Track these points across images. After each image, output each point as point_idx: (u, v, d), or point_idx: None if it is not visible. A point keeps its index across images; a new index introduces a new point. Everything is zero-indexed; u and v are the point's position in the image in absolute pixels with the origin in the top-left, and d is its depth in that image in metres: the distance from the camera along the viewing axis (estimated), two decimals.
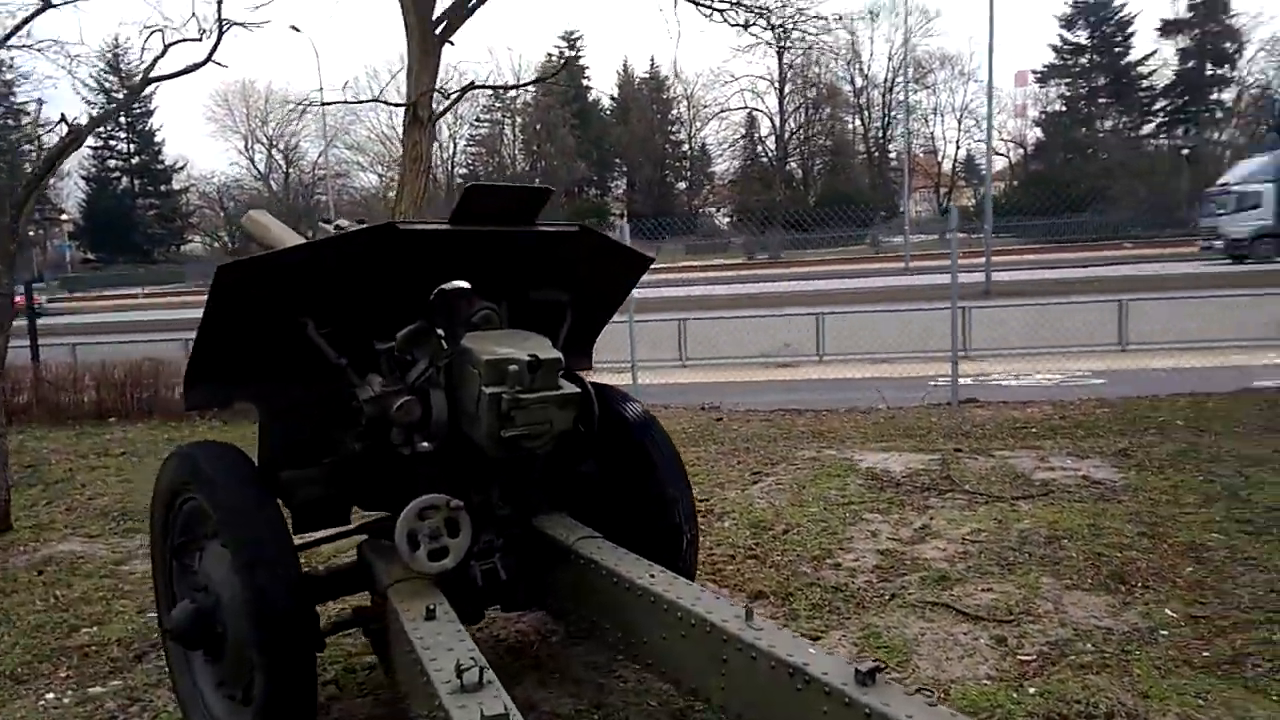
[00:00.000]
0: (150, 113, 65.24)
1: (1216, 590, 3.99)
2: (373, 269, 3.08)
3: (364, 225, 2.98)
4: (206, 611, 3.00)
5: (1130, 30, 60.72)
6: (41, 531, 6.22)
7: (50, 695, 3.78)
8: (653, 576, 3.08)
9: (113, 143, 65.18)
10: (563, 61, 14.10)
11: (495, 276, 3.38)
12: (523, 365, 2.94)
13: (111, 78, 54.20)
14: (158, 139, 67.20)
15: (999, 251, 29.70)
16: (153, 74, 11.46)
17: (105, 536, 6.08)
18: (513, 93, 61.10)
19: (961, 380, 11.52)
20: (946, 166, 65.05)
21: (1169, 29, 59.05)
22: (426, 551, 2.93)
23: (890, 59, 61.86)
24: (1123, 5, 60.13)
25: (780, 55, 60.39)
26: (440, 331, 3.10)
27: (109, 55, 49.32)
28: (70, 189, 62.83)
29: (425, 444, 3.06)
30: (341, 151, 60.71)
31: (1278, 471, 5.74)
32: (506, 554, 3.35)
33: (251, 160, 68.08)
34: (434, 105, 10.74)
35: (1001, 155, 62.58)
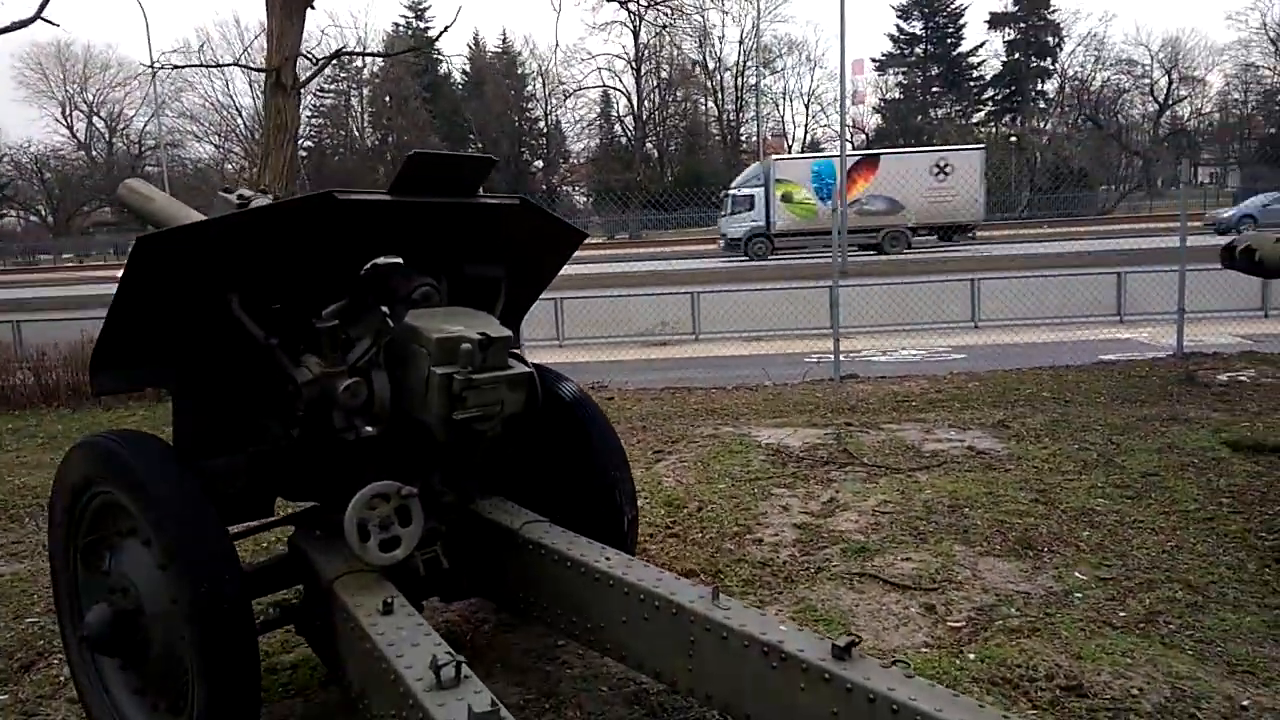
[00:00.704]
0: None
1: (1115, 553, 4.26)
2: (306, 241, 2.86)
3: (298, 196, 2.76)
4: (126, 615, 2.74)
5: (962, 22, 64.33)
6: None
7: None
8: (608, 559, 3.02)
9: None
10: (443, 29, 13.38)
11: (433, 250, 3.21)
12: (474, 344, 2.81)
13: None
14: None
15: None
16: None
17: None
18: (358, 63, 58.91)
19: (832, 356, 11.98)
20: (789, 149, 66.97)
21: (997, 21, 62.79)
22: (377, 542, 2.76)
23: (741, 43, 63.05)
24: None
25: (636, 35, 60.70)
26: (385, 309, 2.91)
27: None
28: None
29: (369, 428, 2.88)
30: (172, 120, 56.90)
31: (1143, 439, 6.19)
32: (448, 541, 3.22)
33: (70, 128, 62.96)
34: (298, 72, 10.16)
35: (847, 141, 65.03)
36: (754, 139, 63.25)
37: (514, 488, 3.57)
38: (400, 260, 3.21)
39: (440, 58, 62.50)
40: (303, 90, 10.82)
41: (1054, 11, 61.09)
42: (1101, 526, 4.62)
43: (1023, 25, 61.84)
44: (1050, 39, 61.55)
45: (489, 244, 3.36)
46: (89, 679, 3.05)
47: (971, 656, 3.30)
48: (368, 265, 3.14)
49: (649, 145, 64.20)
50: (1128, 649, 3.30)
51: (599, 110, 66.74)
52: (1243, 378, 8.27)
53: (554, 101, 67.62)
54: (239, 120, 60.09)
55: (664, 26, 48.37)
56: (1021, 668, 3.18)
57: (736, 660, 2.57)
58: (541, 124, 68.61)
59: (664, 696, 3.15)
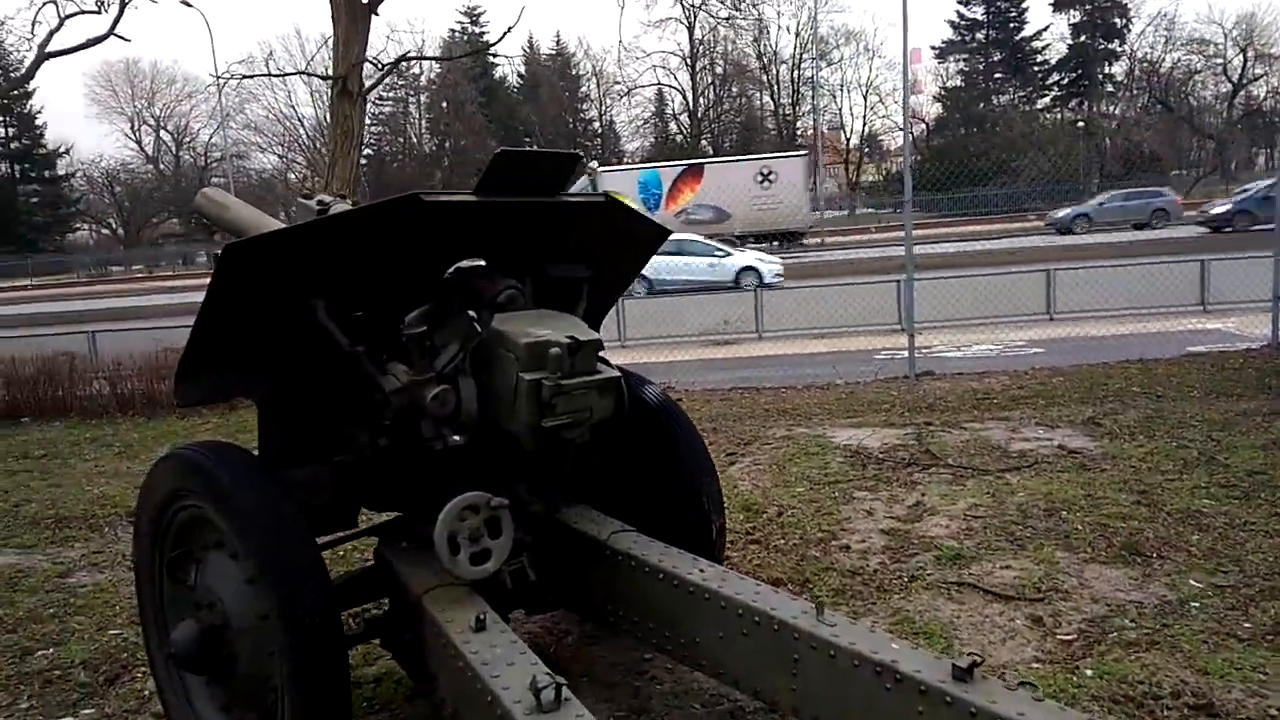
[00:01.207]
0: (29, 94, 61.26)
1: (1230, 558, 4.01)
2: (392, 245, 2.79)
3: (384, 200, 2.68)
4: (213, 631, 2.69)
5: (1024, 6, 62.58)
6: None
7: None
8: (702, 571, 2.90)
9: None
10: (505, 31, 13.42)
11: (517, 251, 3.12)
12: (564, 348, 2.71)
13: None
14: (38, 122, 63.23)
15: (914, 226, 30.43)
16: (49, 48, 10.64)
17: (41, 547, 5.58)
18: (415, 69, 59.64)
19: (903, 353, 11.67)
20: (852, 142, 66.09)
21: (1061, 4, 61.09)
22: (468, 555, 2.68)
23: (797, 35, 62.31)
24: None
25: (690, 31, 60.44)
26: (472, 313, 2.82)
27: None
28: None
29: (456, 437, 2.80)
30: (237, 132, 58.20)
31: (1245, 435, 5.87)
32: (534, 552, 3.12)
33: (139, 142, 64.84)
34: (363, 78, 10.23)
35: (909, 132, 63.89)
36: (810, 132, 62.56)
37: (598, 496, 3.47)
38: (483, 263, 3.12)
39: (496, 62, 63.06)
40: (366, 97, 10.89)
41: None
42: (1210, 530, 4.36)
43: (1089, 7, 60.10)
44: (1117, 20, 59.71)
45: (573, 243, 3.26)
46: (175, 695, 3.02)
47: (1089, 673, 3.10)
48: (451, 269, 3.06)
49: (704, 142, 63.85)
50: (1258, 664, 3.07)
51: (653, 109, 66.67)
52: None
53: (609, 101, 67.78)
54: (301, 130, 61.26)
55: (726, 18, 47.98)
56: (1144, 684, 2.97)
57: (845, 680, 2.42)
58: (596, 124, 68.76)
59: (760, 715, 3.01)
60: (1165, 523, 4.48)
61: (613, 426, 3.07)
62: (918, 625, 3.58)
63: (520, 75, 69.14)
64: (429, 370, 2.79)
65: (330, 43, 10.01)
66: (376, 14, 10.30)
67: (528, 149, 3.02)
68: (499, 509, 2.73)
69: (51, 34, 10.82)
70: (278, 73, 24.44)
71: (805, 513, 5.10)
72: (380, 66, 11.48)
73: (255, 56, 65.02)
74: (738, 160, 40.11)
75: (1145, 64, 58.23)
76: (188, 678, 2.97)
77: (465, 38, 65.30)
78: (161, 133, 65.36)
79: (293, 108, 61.03)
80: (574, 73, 68.66)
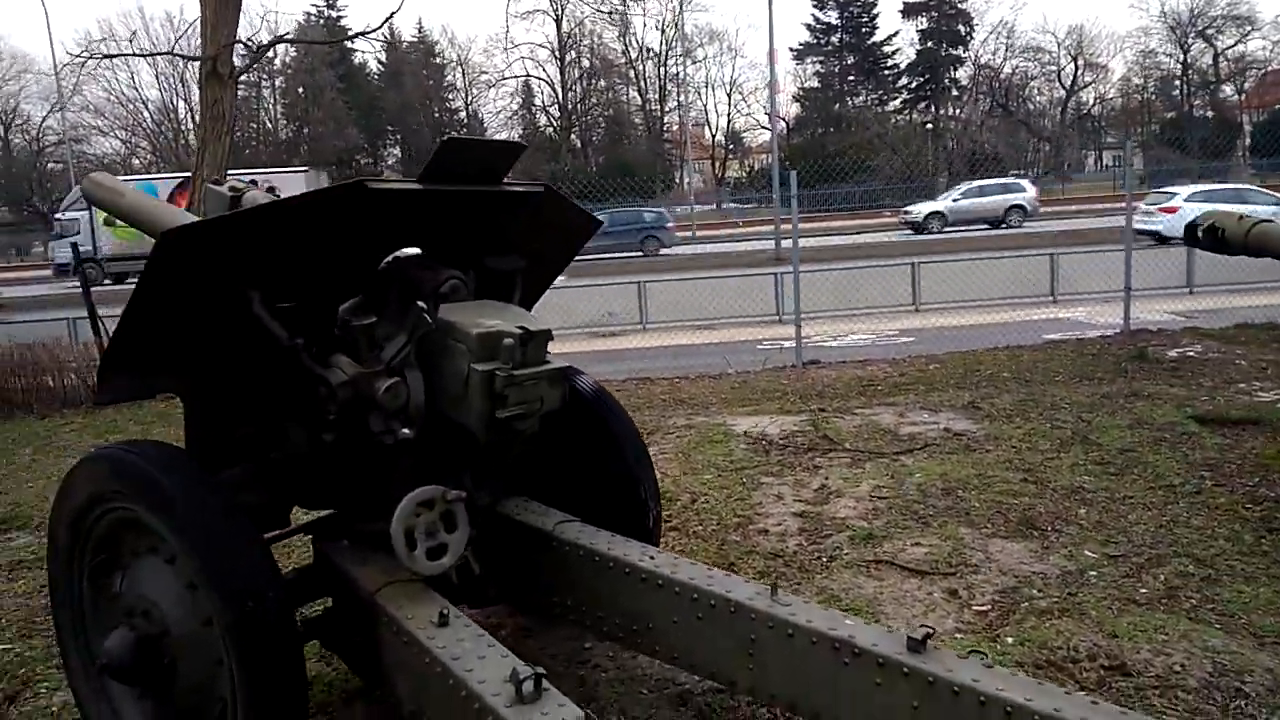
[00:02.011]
0: None
1: (1116, 529, 4.34)
2: (333, 234, 2.69)
3: (329, 186, 2.58)
4: (151, 640, 2.54)
5: (876, 11, 65.30)
6: None
7: None
8: (652, 558, 2.93)
9: None
10: (389, 16, 12.76)
11: (458, 241, 3.06)
12: (516, 339, 2.68)
13: None
14: None
15: (771, 221, 31.36)
16: None
17: None
18: (270, 53, 57.02)
19: (785, 342, 12.02)
20: (713, 140, 67.34)
21: (910, 10, 64.02)
22: (424, 550, 2.62)
23: (663, 32, 62.98)
24: None
25: (559, 24, 60.21)
26: (421, 304, 2.75)
27: None
28: None
29: (405, 430, 2.73)
30: (75, 114, 54.25)
31: (1112, 415, 6.35)
32: (479, 546, 3.08)
33: None
34: (234, 60, 9.74)
35: (767, 129, 65.68)
36: (675, 127, 63.40)
37: (535, 487, 3.45)
38: (418, 251, 3.05)
39: (354, 47, 61.02)
40: (236, 80, 10.38)
41: (965, 0, 62.69)
42: (1095, 504, 4.70)
43: (935, 14, 63.23)
44: (962, 28, 63.07)
45: (508, 233, 3.22)
46: (99, 711, 2.84)
47: (1010, 640, 3.30)
48: (389, 258, 2.98)
49: (573, 136, 63.80)
50: (1159, 625, 3.34)
51: (521, 100, 66.08)
52: (1191, 353, 8.56)
53: (474, 92, 66.72)
54: (145, 113, 57.72)
55: (606, 11, 47.53)
56: (1062, 649, 3.19)
57: (803, 658, 2.50)
58: (462, 114, 67.57)
59: (710, 696, 3.07)
60: (1053, 498, 4.80)
61: (555, 417, 3.06)
62: (845, 603, 3.72)
63: (381, 62, 67.16)
64: (377, 363, 2.71)
65: (198, 24, 9.47)
66: None
67: (474, 138, 2.97)
68: (455, 502, 2.68)
69: None
70: (145, 52, 22.70)
71: (718, 499, 5.21)
72: (252, 49, 10.92)
73: (94, 35, 60.68)
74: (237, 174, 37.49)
75: (987, 69, 61.71)
76: (115, 691, 2.79)
77: (322, 21, 62.94)
78: None
79: (136, 89, 57.43)
80: (438, 61, 67.22)
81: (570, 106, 63.84)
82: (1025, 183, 36.53)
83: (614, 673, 3.33)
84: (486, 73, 65.08)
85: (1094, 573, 3.86)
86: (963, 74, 64.26)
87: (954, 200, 34.75)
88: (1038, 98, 63.22)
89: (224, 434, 2.89)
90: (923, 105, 65.22)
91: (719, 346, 11.92)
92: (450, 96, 67.69)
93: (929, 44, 63.62)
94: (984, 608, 3.62)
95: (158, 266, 2.41)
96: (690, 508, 5.09)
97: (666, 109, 65.57)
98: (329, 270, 2.80)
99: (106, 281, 31.08)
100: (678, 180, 65.21)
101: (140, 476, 2.47)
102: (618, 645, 3.22)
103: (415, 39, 67.69)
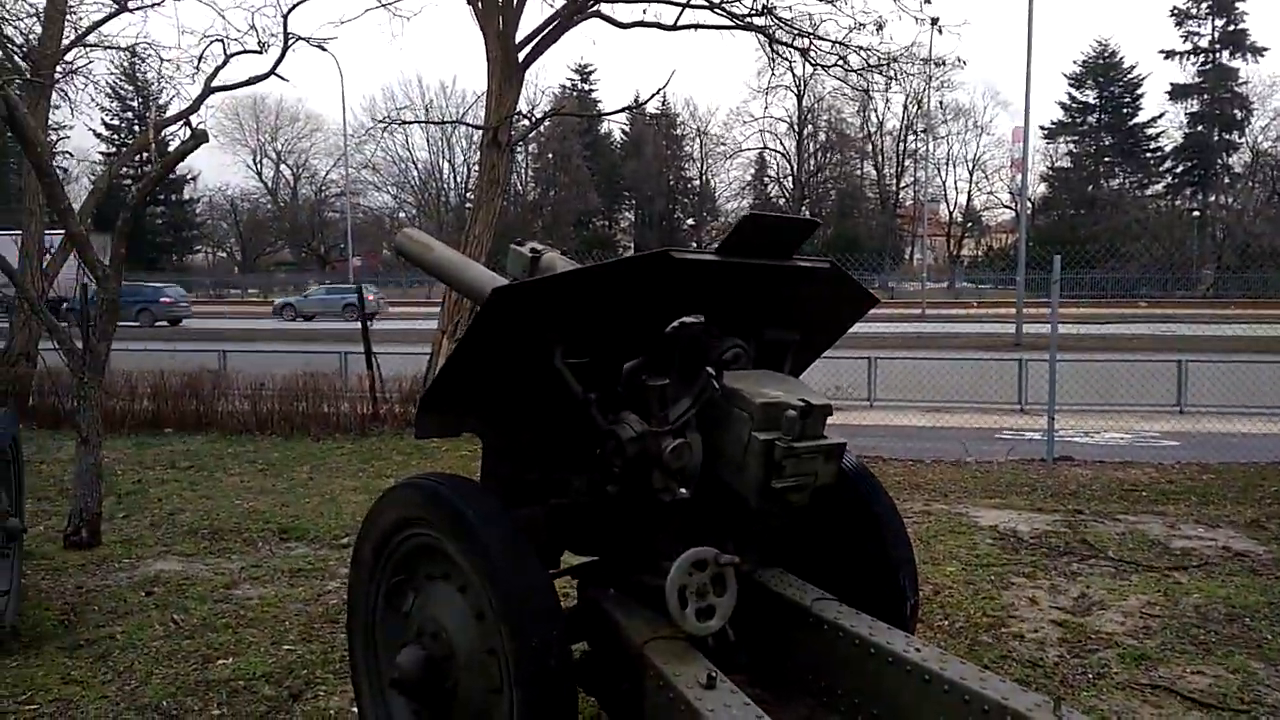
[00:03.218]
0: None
1: None
2: (632, 298, 2.85)
3: (637, 254, 2.76)
4: (438, 661, 2.73)
5: (1140, 92, 61.49)
6: (132, 548, 5.91)
7: None
8: (918, 650, 2.83)
9: (124, 150, 64.95)
10: (652, 94, 13.63)
11: (743, 311, 3.16)
12: (798, 411, 2.71)
13: (128, 86, 54.35)
14: (169, 149, 66.76)
15: (1011, 303, 29.82)
16: (214, 83, 11.32)
17: (202, 556, 5.79)
18: (524, 122, 61.33)
19: (1029, 434, 11.37)
20: (951, 216, 65.38)
21: (1178, 93, 59.79)
22: (694, 610, 2.68)
23: (905, 107, 62.23)
24: (1132, 67, 60.96)
25: (800, 98, 60.96)
26: (710, 370, 2.85)
27: (125, 63, 49.20)
28: (79, 193, 62.62)
29: (682, 490, 2.81)
30: (354, 171, 60.65)
31: None
32: (734, 612, 3.10)
33: (259, 174, 67.93)
34: (511, 131, 10.60)
35: (1009, 208, 63.05)
36: (910, 203, 62.15)
37: (790, 559, 3.44)
38: (703, 319, 3.17)
39: (602, 118, 64.64)
40: (471, 147, 11.18)
41: (1243, 84, 57.86)
42: None
43: (1208, 98, 58.71)
44: (1238, 112, 58.12)
45: (787, 306, 3.29)
46: (377, 717, 3.07)
47: None
48: (674, 323, 3.11)
49: (803, 208, 63.99)
50: None
51: (754, 171, 67.20)
52: None
53: (709, 162, 68.53)
54: (414, 172, 63.51)
55: (830, 91, 47.79)
56: None
57: None
58: (695, 182, 69.54)
59: None
60: None
61: (825, 492, 3.05)
62: None
63: (625, 132, 70.58)
64: (664, 422, 2.82)
65: (484, 96, 10.39)
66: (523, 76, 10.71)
67: (772, 214, 3.07)
68: (726, 566, 2.72)
69: (218, 69, 11.42)
70: (437, 120, 25.36)
71: (963, 594, 4.97)
72: (530, 120, 11.82)
73: (379, 102, 67.75)
74: None
75: (1267, 156, 56.34)
76: (393, 702, 3.02)
77: (575, 94, 67.10)
78: (282, 166, 68.51)
79: (408, 150, 63.40)
80: (678, 132, 69.75)
81: (804, 179, 64.16)
82: None
83: None
84: (725, 143, 66.77)
85: None
86: (1236, 160, 59.06)
87: None
88: None
89: (515, 477, 3.09)
90: (1188, 192, 60.37)
91: (954, 432, 11.44)
92: (686, 166, 69.90)
93: (1199, 128, 59.04)
94: None
95: (488, 317, 2.65)
96: (933, 599, 4.88)
97: (902, 184, 64.55)
98: (621, 330, 2.96)
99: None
100: (907, 256, 63.79)
101: (448, 507, 2.68)
102: None
103: (659, 110, 70.72)
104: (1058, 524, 6.30)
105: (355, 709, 3.54)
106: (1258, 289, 39.22)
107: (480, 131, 10.68)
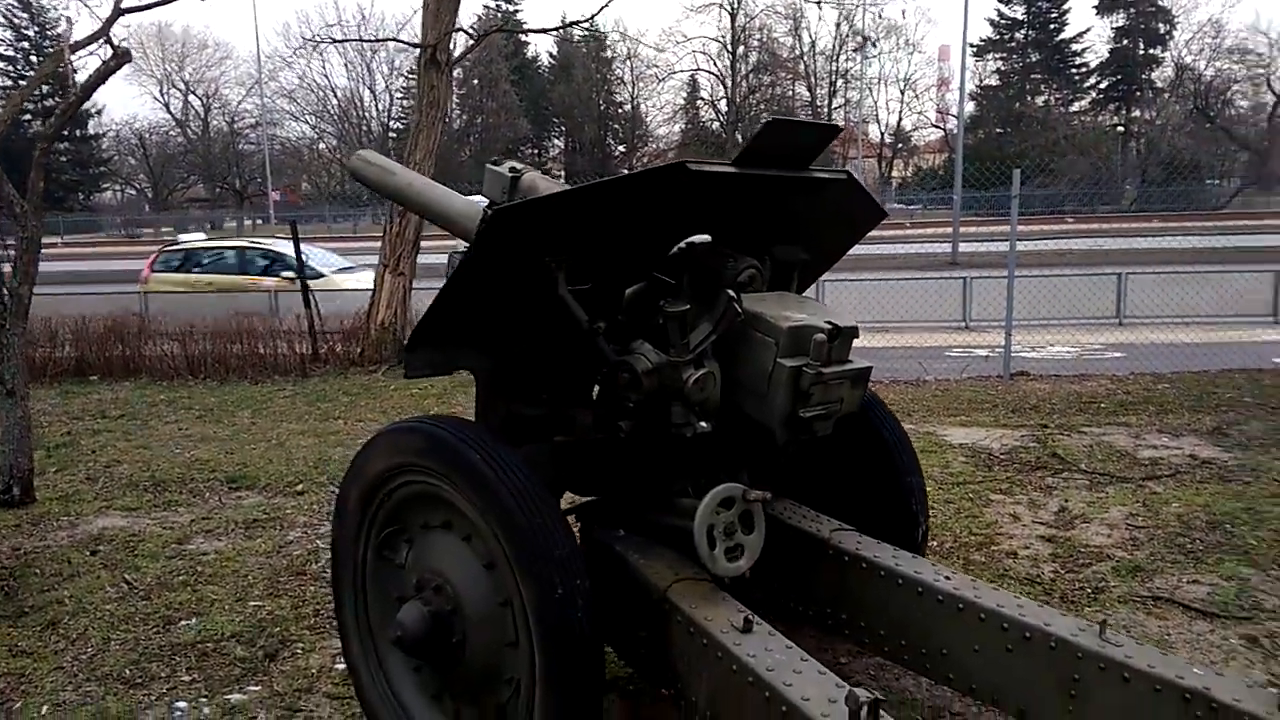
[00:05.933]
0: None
1: None
2: (642, 216, 2.60)
3: (651, 167, 2.49)
4: (444, 616, 2.52)
5: (1066, 7, 61.71)
6: (70, 504, 5.53)
7: (182, 704, 3.23)
8: (948, 578, 2.72)
9: (22, 83, 60.95)
10: (596, 11, 12.99)
11: (756, 227, 2.92)
12: (826, 335, 2.52)
13: (22, 14, 51.02)
14: (78, 78, 62.92)
15: (942, 223, 30.10)
16: (125, 3, 10.50)
17: (146, 510, 5.44)
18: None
19: (977, 351, 11.46)
20: (880, 137, 65.48)
21: (1104, 7, 60.19)
22: (723, 550, 2.50)
23: (837, 26, 61.67)
24: None
25: (734, 17, 59.91)
26: (731, 293, 2.62)
27: None
28: None
29: (704, 424, 2.61)
30: (270, 99, 57.99)
31: None
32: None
33: (167, 105, 64.50)
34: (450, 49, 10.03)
35: (938, 127, 63.39)
36: (845, 122, 62.01)
37: (799, 489, 3.29)
38: (709, 238, 2.93)
39: (527, 40, 62.67)
40: (393, 74, 10.68)
41: None
42: None
43: (1133, 11, 59.18)
44: (1161, 26, 58.78)
45: (798, 221, 3.06)
46: (373, 678, 2.86)
47: None
48: (681, 244, 2.87)
49: (735, 131, 63.35)
50: None
51: (686, 95, 66.15)
52: None
53: (640, 85, 67.20)
54: (333, 100, 61.04)
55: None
56: None
57: (1141, 707, 2.24)
58: (626, 107, 68.22)
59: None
60: None
61: (848, 420, 2.88)
62: None
63: (552, 55, 68.65)
64: (685, 352, 2.59)
65: (413, 17, 9.77)
66: None
67: (797, 118, 2.82)
68: (755, 502, 2.54)
69: None
70: (370, 39, 24.12)
71: (945, 513, 4.92)
72: (471, 36, 11.23)
73: (292, 26, 64.71)
74: None
75: (1188, 71, 57.31)
76: (391, 660, 2.81)
77: (499, 14, 64.83)
78: (191, 97, 65.16)
79: (326, 77, 60.92)
80: (607, 55, 68.07)
81: (737, 101, 63.41)
82: None
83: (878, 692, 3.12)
84: (656, 66, 65.45)
85: None
86: (1159, 75, 59.98)
87: None
88: (1241, 102, 58.26)
89: (515, 415, 2.86)
90: (1113, 107, 61.24)
91: (905, 351, 11.45)
92: (617, 90, 68.45)
93: (1124, 42, 59.63)
94: None
95: (485, 243, 2.38)
96: None
97: (834, 105, 64.23)
98: (625, 253, 2.71)
99: None
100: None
101: (454, 451, 2.43)
102: (889, 662, 3.04)
103: (588, 31, 68.88)
104: (1025, 439, 6.30)
105: (339, 666, 3.35)
106: (1180, 203, 40.23)
107: (416, 52, 10.08)
